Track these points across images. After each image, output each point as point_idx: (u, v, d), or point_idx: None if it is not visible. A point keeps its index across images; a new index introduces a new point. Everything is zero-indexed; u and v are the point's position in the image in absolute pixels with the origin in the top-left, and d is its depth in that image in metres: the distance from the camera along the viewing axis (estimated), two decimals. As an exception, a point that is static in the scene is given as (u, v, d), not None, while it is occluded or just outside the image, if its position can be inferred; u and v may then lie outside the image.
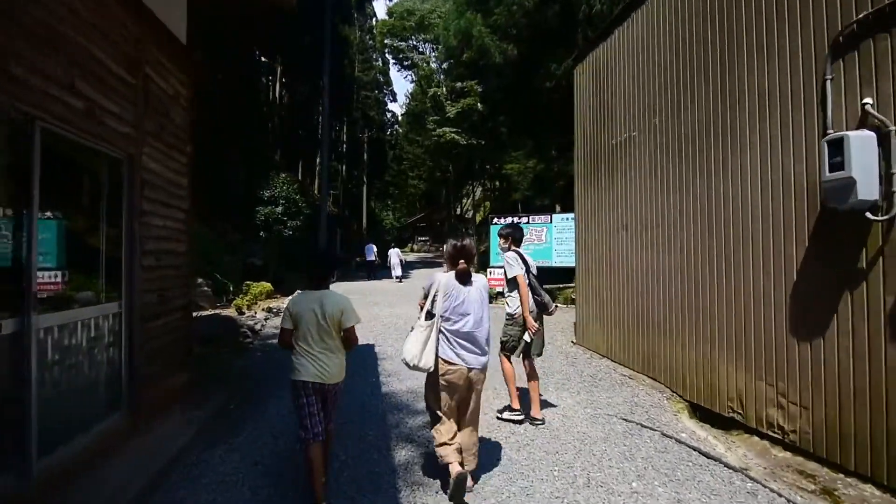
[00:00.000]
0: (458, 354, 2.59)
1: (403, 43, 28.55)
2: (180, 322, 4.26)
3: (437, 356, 2.60)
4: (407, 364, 2.62)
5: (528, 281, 3.65)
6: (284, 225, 12.04)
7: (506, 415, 3.81)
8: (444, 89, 24.10)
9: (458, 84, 24.09)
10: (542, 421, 3.72)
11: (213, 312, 9.24)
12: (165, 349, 3.94)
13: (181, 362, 4.33)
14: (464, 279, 2.64)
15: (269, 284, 8.95)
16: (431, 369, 2.60)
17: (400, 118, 50.29)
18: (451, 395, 2.63)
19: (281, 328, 2.63)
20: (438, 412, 2.66)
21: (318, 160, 38.36)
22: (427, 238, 47.85)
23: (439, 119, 23.69)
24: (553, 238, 10.52)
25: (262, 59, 29.94)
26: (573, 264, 10.56)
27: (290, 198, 12.07)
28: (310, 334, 2.50)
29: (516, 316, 3.75)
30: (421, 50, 29.77)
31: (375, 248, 21.33)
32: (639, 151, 5.34)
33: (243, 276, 12.47)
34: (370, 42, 43.03)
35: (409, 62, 27.58)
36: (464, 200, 44.51)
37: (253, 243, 15.31)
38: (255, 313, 8.50)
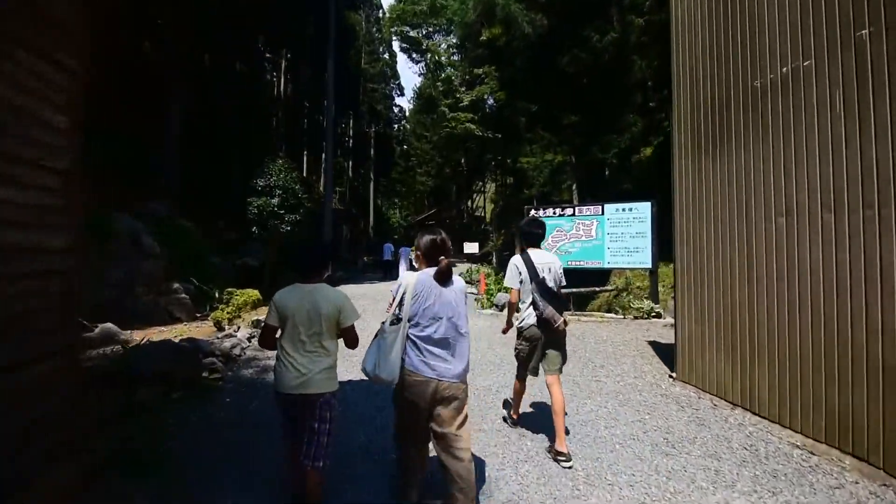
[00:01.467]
0: (427, 364, 2.15)
1: (413, 31, 26.55)
2: (55, 377, 2.33)
3: (402, 366, 2.17)
4: (367, 374, 2.21)
5: (535, 290, 3.12)
6: (282, 219, 10.13)
7: (504, 413, 3.52)
8: (459, 74, 22.17)
9: (475, 70, 22.17)
10: (568, 459, 2.94)
11: (185, 327, 7.33)
12: (21, 432, 2.01)
13: (68, 444, 2.40)
14: (444, 279, 2.24)
15: (256, 292, 7.04)
16: (395, 382, 2.18)
17: (408, 113, 48.46)
18: (418, 414, 2.18)
19: (264, 324, 2.24)
20: (404, 441, 2.27)
21: (323, 156, 36.59)
22: (436, 237, 45.80)
23: (452, 103, 21.77)
24: (605, 234, 8.51)
25: (267, 54, 28.24)
26: (633, 265, 8.56)
27: (289, 187, 10.17)
28: (297, 335, 2.15)
29: (523, 329, 3.25)
30: (433, 40, 27.77)
31: (393, 248, 20.14)
32: (817, 90, 3.33)
33: (237, 279, 10.60)
34: (377, 35, 41.21)
35: (420, 48, 25.61)
36: (474, 197, 42.61)
37: (252, 242, 13.48)
38: (238, 329, 6.57)
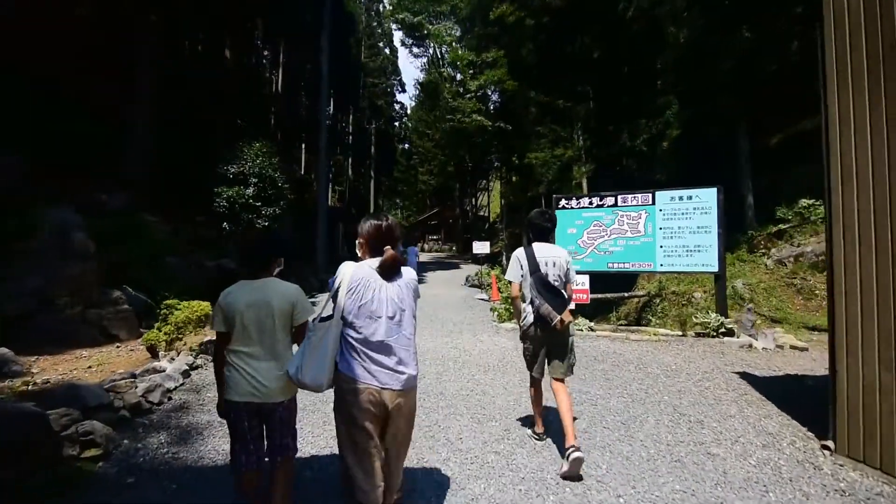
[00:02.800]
0: (367, 370, 1.82)
1: (415, 17, 24.72)
2: None
3: (335, 371, 1.87)
4: (290, 376, 1.90)
5: (532, 285, 2.88)
6: (257, 213, 8.35)
7: (530, 431, 3.24)
8: (464, 59, 20.47)
9: (484, 54, 20.42)
10: (577, 449, 2.61)
11: (116, 350, 5.54)
12: None
13: None
14: (389, 272, 1.90)
15: (206, 304, 5.24)
16: (321, 388, 1.87)
17: (409, 111, 46.83)
18: (364, 426, 1.80)
19: (216, 332, 2.01)
20: (348, 457, 1.83)
21: (320, 146, 34.82)
22: (438, 237, 44.11)
23: (457, 90, 20.06)
24: (657, 229, 6.70)
25: (266, 52, 26.59)
26: (694, 268, 6.69)
27: (266, 175, 8.39)
28: (247, 336, 1.96)
29: (525, 328, 2.99)
30: (437, 24, 25.95)
31: (402, 248, 18.56)
32: None
33: (212, 285, 8.83)
34: (378, 29, 39.58)
35: (422, 34, 23.86)
36: (479, 196, 40.91)
37: (232, 240, 11.75)
38: (176, 356, 4.77)
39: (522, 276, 2.95)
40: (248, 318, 1.94)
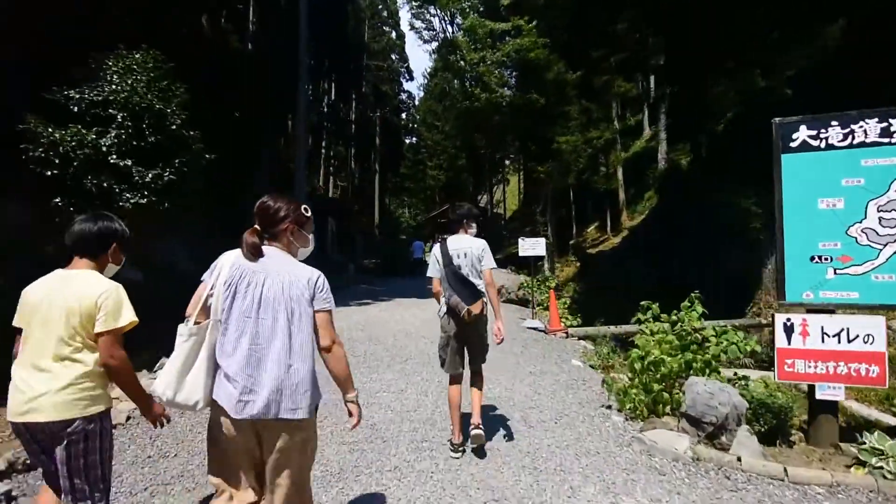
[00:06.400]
0: (226, 390, 1.39)
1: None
2: None
3: (210, 387, 1.46)
4: (159, 398, 1.50)
5: (445, 277, 2.81)
6: (128, 182, 4.06)
7: (447, 444, 2.92)
8: (485, 24, 16.55)
9: (503, 25, 16.40)
10: (480, 429, 2.73)
11: None
12: None
13: None
14: (249, 253, 1.45)
15: None
16: (199, 406, 1.44)
17: (417, 101, 42.59)
18: (231, 456, 1.42)
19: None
20: (216, 485, 1.45)
21: (322, 150, 30.82)
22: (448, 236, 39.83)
23: (478, 59, 16.12)
24: None
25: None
26: None
27: (143, 108, 4.07)
28: (32, 338, 1.48)
29: (440, 318, 2.91)
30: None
31: (424, 245, 19.01)
32: None
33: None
34: (384, 11, 35.54)
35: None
36: (494, 190, 36.58)
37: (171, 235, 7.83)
38: None
39: (440, 270, 2.84)
40: (37, 315, 1.48)
